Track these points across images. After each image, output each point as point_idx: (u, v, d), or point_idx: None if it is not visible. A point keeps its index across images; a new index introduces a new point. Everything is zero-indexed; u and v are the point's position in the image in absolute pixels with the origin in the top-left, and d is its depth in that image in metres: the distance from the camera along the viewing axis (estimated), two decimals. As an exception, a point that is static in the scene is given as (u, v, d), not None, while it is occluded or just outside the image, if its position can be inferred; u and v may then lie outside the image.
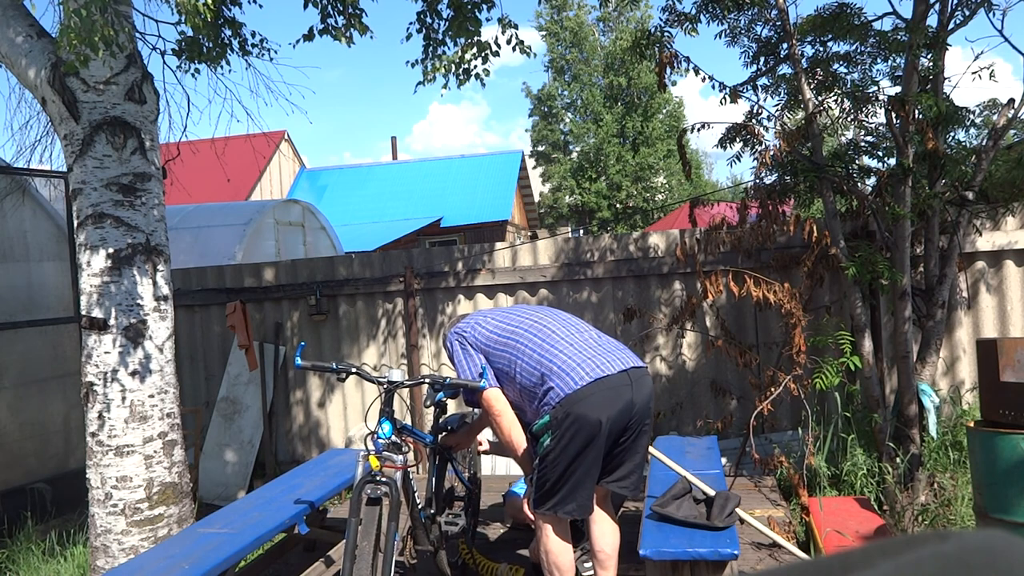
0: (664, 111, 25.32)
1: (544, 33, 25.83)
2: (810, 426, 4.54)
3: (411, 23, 4.85)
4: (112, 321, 3.61)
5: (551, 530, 2.83)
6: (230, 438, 6.03)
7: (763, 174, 4.73)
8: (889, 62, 4.81)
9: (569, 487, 2.73)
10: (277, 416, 6.18)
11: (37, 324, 5.32)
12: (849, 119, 4.93)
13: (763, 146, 4.74)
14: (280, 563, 3.93)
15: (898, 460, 4.34)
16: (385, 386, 2.94)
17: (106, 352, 3.61)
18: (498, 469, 5.47)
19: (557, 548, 2.84)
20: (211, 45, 4.40)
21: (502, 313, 3.12)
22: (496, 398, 2.91)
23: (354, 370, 2.99)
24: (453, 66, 4.86)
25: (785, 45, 4.71)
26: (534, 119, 26.58)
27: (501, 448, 3.64)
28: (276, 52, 4.78)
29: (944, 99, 4.40)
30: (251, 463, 5.93)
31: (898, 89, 4.59)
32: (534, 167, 26.20)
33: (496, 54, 4.83)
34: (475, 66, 4.89)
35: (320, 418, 6.16)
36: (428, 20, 4.82)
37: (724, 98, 4.81)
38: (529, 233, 22.68)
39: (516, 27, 4.82)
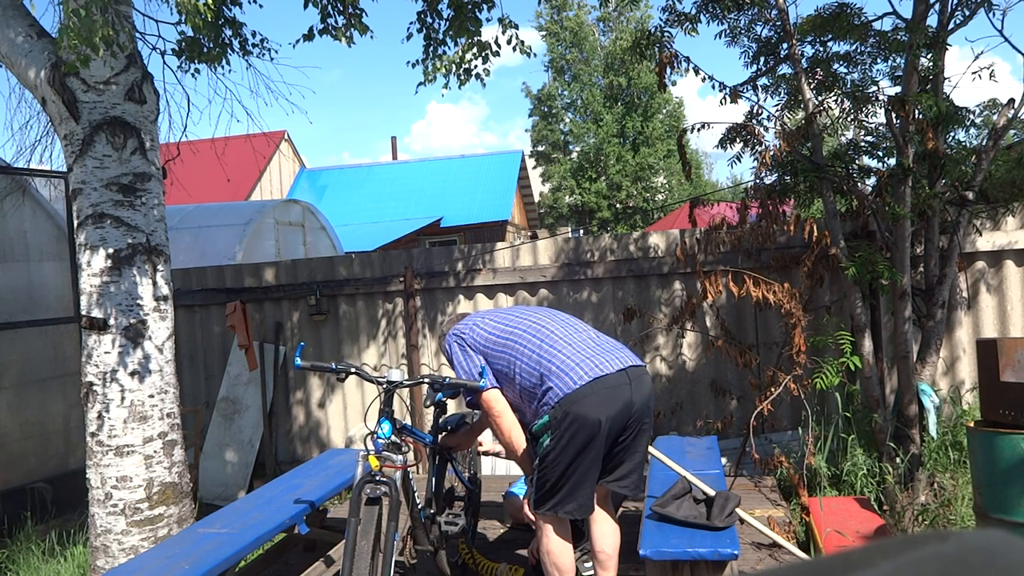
0: (664, 111, 25.33)
1: (544, 33, 25.84)
2: (810, 426, 4.54)
3: (411, 23, 4.86)
4: (112, 321, 3.61)
5: (551, 530, 2.83)
6: (230, 438, 6.03)
7: (763, 174, 4.73)
8: (889, 62, 4.81)
9: (569, 487, 2.73)
10: (277, 416, 6.18)
11: (37, 324, 5.32)
12: (849, 119, 4.93)
13: (763, 146, 4.74)
14: (280, 563, 3.93)
15: (898, 460, 4.34)
16: (385, 386, 2.94)
17: (106, 352, 3.61)
18: (498, 469, 5.47)
19: (557, 548, 2.84)
20: (211, 45, 4.40)
21: (500, 314, 3.12)
22: (495, 399, 2.91)
23: (354, 370, 2.99)
24: (453, 66, 4.87)
25: (785, 45, 4.71)
26: (534, 119, 26.60)
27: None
28: (276, 52, 4.79)
29: (944, 99, 4.40)
30: (251, 463, 5.93)
31: (898, 89, 4.59)
32: (534, 167, 26.21)
33: (496, 54, 4.84)
34: (475, 66, 4.90)
35: (320, 418, 6.16)
36: (428, 20, 4.82)
37: (724, 98, 4.81)
38: (529, 233, 22.68)
39: (516, 27, 4.83)
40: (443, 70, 4.87)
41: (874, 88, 4.73)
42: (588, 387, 2.68)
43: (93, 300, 3.62)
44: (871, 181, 4.95)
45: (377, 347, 6.00)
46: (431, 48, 4.89)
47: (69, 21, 2.97)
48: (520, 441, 2.92)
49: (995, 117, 4.52)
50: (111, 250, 3.62)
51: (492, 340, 2.96)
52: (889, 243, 4.56)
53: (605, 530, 2.98)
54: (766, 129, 4.91)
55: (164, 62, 4.47)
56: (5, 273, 5.27)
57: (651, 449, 3.54)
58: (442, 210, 18.98)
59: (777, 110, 5.01)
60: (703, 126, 4.93)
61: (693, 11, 4.80)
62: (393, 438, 2.91)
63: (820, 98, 4.76)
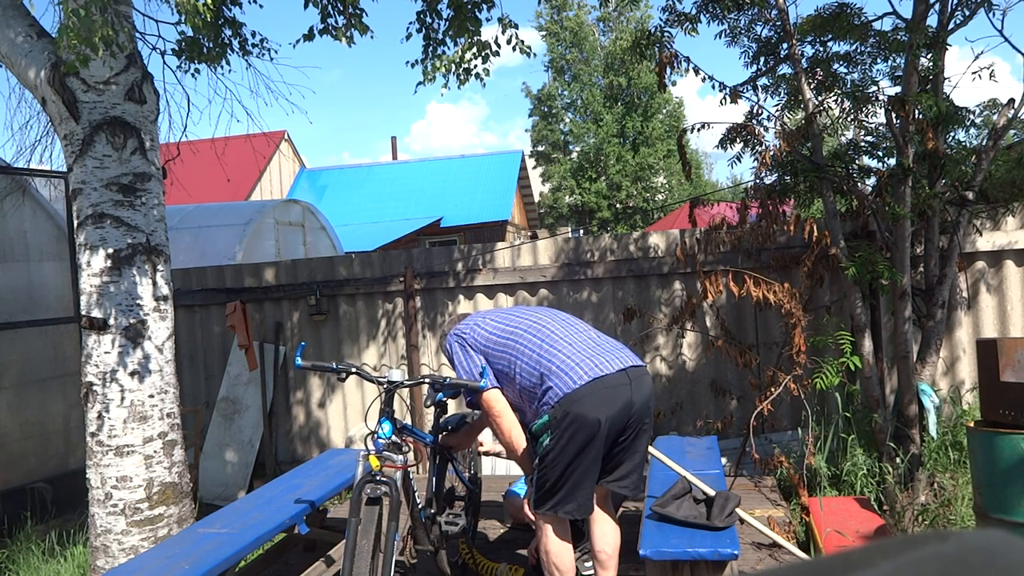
0: (664, 111, 25.33)
1: (544, 33, 25.84)
2: (810, 426, 4.54)
3: (411, 23, 4.86)
4: (112, 321, 3.61)
5: (551, 530, 2.83)
6: (230, 438, 6.03)
7: (763, 174, 4.73)
8: (889, 62, 4.81)
9: (569, 487, 2.73)
10: (277, 416, 6.18)
11: (37, 324, 5.32)
12: (849, 119, 4.93)
13: (763, 146, 4.74)
14: (280, 563, 3.93)
15: (898, 460, 4.34)
16: (385, 386, 2.94)
17: (106, 352, 3.61)
18: (498, 469, 5.47)
19: (557, 548, 2.84)
20: (211, 45, 4.40)
21: (501, 314, 3.12)
22: (496, 399, 2.91)
23: (354, 370, 2.99)
24: (453, 66, 4.87)
25: (785, 45, 4.71)
26: (534, 119, 26.61)
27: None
28: (276, 52, 4.79)
29: (944, 99, 4.40)
30: (251, 463, 5.93)
31: (898, 89, 4.59)
32: (534, 167, 26.21)
33: (496, 54, 4.84)
34: (475, 66, 4.90)
35: (320, 418, 6.16)
36: (428, 20, 4.82)
37: (724, 98, 4.81)
38: (529, 233, 22.68)
39: (516, 27, 4.83)
40: (443, 70, 4.87)
41: (874, 88, 4.73)
42: (588, 387, 2.68)
43: (93, 300, 3.62)
44: (871, 181, 4.95)
45: (377, 347, 6.00)
46: (430, 48, 4.89)
47: (69, 21, 2.97)
48: (520, 441, 2.92)
49: (995, 117, 4.52)
50: (111, 250, 3.62)
51: (493, 340, 2.96)
52: (889, 243, 4.56)
53: (605, 530, 2.98)
54: (766, 129, 4.91)
55: (164, 62, 4.48)
56: (5, 273, 5.27)
57: (651, 449, 3.54)
58: (442, 210, 18.97)
59: (777, 110, 5.01)
60: (703, 126, 4.93)
61: (693, 11, 4.80)
62: (393, 438, 2.91)
63: (820, 98, 4.76)
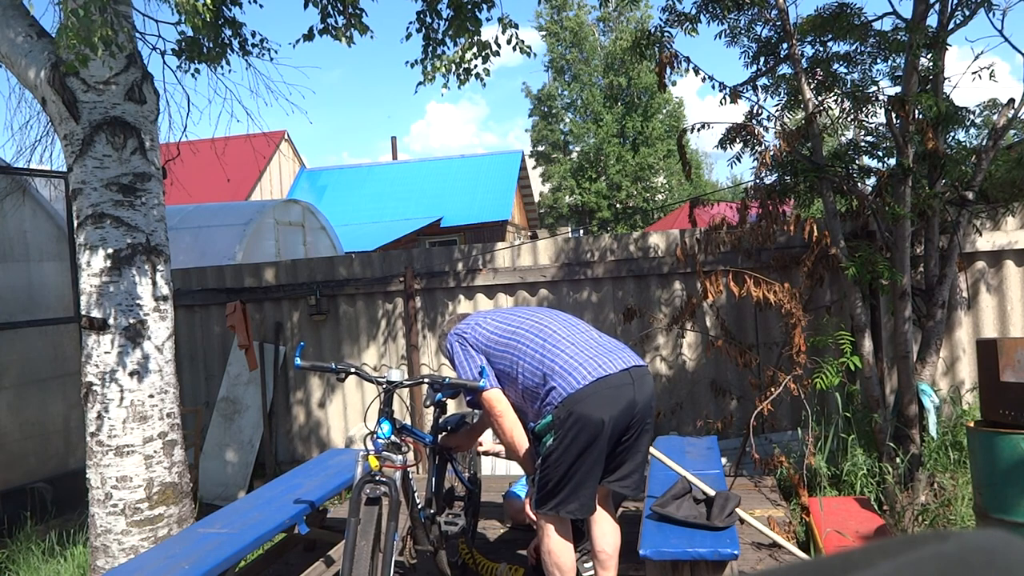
0: (664, 111, 25.34)
1: (544, 33, 25.85)
2: (810, 426, 4.54)
3: (411, 23, 4.86)
4: (112, 321, 3.61)
5: (553, 530, 2.83)
6: (230, 438, 6.03)
7: (763, 174, 4.73)
8: (889, 62, 4.81)
9: (572, 487, 2.73)
10: (277, 416, 6.18)
11: (37, 324, 5.31)
12: (849, 119, 4.93)
13: (763, 146, 4.74)
14: (280, 563, 3.93)
15: (898, 460, 4.34)
16: (385, 386, 2.94)
17: (106, 352, 3.61)
18: (498, 469, 5.47)
19: (559, 548, 2.84)
20: (211, 45, 4.40)
21: (502, 314, 3.12)
22: (497, 399, 2.91)
23: (354, 370, 2.99)
24: (453, 66, 4.87)
25: (785, 45, 4.71)
26: (534, 119, 26.61)
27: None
28: (276, 52, 4.79)
29: (944, 99, 4.40)
30: (251, 463, 5.93)
31: (898, 89, 4.59)
32: (534, 167, 26.21)
33: (496, 54, 4.84)
34: (475, 66, 4.90)
35: (320, 418, 6.16)
36: (428, 20, 4.82)
37: (724, 98, 4.81)
38: (529, 233, 22.68)
39: (516, 27, 4.83)
40: (442, 70, 4.87)
41: (874, 88, 4.73)
42: (592, 387, 2.68)
43: (93, 300, 3.62)
44: (871, 181, 4.95)
45: (377, 347, 6.00)
46: (430, 48, 4.89)
47: (68, 21, 2.97)
48: (522, 441, 2.91)
49: (995, 117, 4.52)
50: (111, 250, 3.62)
51: (494, 340, 2.96)
52: (889, 243, 4.56)
53: (605, 530, 2.98)
54: (766, 129, 4.91)
55: (164, 62, 4.48)
56: (5, 273, 5.27)
57: (651, 449, 3.54)
58: (442, 210, 18.98)
59: (777, 110, 5.01)
60: (703, 126, 4.93)
61: (693, 11, 4.80)
62: (393, 438, 2.91)
63: (820, 98, 4.76)
